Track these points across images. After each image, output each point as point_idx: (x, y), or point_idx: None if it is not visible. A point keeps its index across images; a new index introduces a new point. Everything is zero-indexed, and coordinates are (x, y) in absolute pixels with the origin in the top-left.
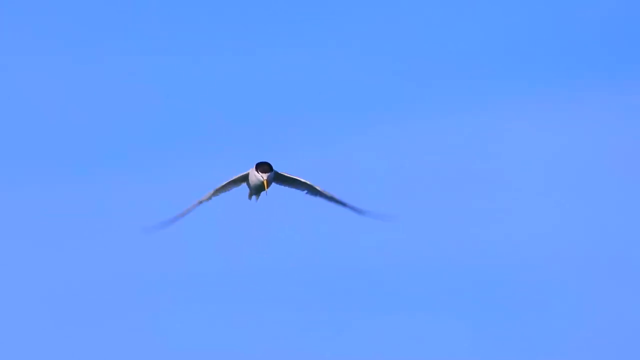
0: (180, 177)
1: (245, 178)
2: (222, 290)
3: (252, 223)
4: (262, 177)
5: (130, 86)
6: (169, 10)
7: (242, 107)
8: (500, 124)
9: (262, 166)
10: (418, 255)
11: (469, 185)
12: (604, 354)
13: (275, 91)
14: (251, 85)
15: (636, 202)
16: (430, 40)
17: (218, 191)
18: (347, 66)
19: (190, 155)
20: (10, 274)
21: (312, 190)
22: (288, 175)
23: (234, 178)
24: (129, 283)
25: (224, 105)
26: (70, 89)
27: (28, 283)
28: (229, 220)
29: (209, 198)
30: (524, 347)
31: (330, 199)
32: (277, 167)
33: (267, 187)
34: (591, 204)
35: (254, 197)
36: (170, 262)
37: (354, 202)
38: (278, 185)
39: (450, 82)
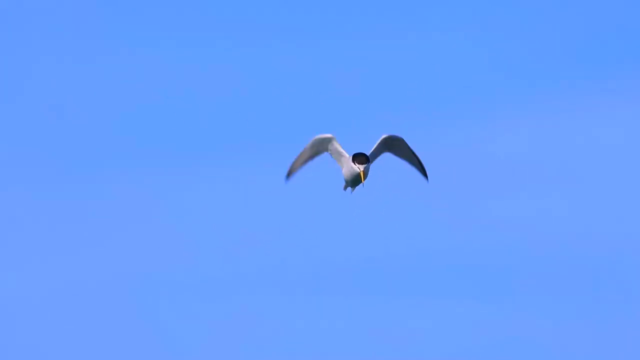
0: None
1: (340, 156)
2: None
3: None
4: (359, 168)
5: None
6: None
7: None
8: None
9: (359, 157)
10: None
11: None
12: None
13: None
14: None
15: None
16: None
17: (316, 145)
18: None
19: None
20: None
21: (394, 144)
22: (373, 150)
23: (336, 146)
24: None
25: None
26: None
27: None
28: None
29: (312, 153)
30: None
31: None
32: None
33: (364, 180)
34: None
35: (349, 188)
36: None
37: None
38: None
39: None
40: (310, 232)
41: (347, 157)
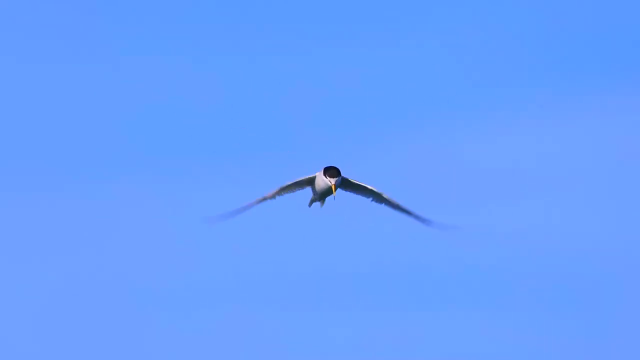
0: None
1: (311, 181)
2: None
3: (317, 228)
4: (330, 181)
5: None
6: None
7: (305, 110)
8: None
9: (330, 170)
10: (480, 263)
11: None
12: None
13: (339, 95)
14: (312, 88)
15: None
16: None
17: (283, 190)
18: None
19: (260, 157)
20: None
21: (378, 197)
22: (354, 182)
23: (300, 180)
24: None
25: (289, 108)
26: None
27: (89, 280)
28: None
29: (273, 196)
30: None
31: (396, 207)
32: (343, 172)
33: (335, 192)
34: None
35: (315, 203)
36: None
37: (419, 210)
38: (343, 191)
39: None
40: (308, 241)
41: (319, 172)
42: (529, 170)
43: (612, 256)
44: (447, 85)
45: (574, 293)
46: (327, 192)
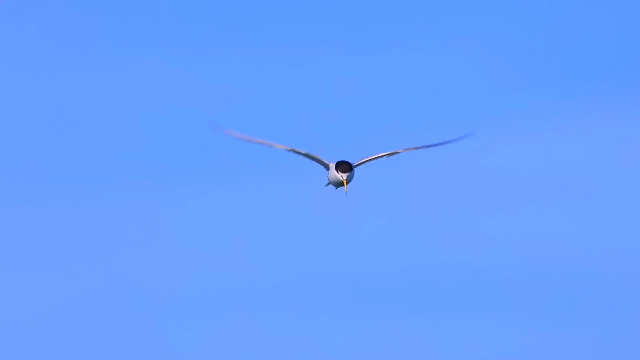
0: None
1: (325, 166)
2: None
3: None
4: (342, 177)
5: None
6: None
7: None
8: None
9: (342, 166)
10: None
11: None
12: None
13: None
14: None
15: None
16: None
17: (295, 151)
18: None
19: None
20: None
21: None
22: (365, 160)
23: (316, 156)
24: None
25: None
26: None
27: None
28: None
29: (283, 149)
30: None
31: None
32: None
33: (347, 186)
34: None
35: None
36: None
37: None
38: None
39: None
40: (306, 245)
41: (332, 165)
42: (537, 177)
43: (633, 263)
44: (454, 91)
45: (590, 300)
46: (340, 183)
